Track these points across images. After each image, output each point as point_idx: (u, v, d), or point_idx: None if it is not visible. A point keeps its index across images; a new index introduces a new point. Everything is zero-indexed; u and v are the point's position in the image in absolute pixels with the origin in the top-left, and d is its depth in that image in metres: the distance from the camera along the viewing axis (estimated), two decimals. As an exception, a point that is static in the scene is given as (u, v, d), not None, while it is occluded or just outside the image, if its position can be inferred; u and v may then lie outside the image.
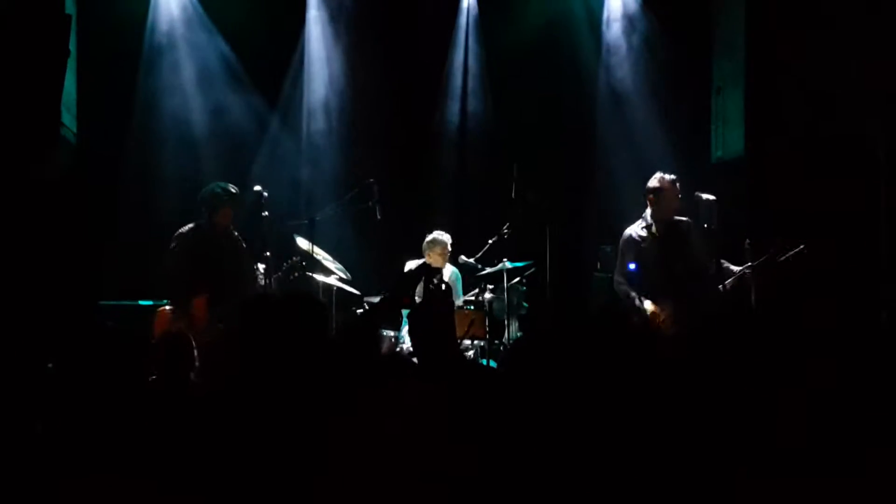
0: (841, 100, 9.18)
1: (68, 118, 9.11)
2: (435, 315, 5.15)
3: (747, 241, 8.26)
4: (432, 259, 9.58)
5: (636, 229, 8.34)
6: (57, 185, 9.31)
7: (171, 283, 8.35)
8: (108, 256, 10.24)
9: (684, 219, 8.29)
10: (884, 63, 8.90)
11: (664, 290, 8.10)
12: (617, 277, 8.48)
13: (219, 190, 8.36)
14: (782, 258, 8.06)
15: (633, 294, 8.18)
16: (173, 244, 8.40)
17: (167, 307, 8.08)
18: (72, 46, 8.64)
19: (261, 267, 7.92)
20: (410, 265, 9.68)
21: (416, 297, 8.78)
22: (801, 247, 8.07)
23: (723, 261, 8.21)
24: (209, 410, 3.70)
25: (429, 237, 9.68)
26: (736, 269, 8.17)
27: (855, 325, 3.90)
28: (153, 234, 10.30)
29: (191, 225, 8.44)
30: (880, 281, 8.85)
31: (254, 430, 3.47)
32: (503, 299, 9.22)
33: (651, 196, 8.28)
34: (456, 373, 4.53)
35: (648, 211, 8.34)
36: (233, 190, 8.42)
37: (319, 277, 8.58)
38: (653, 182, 8.30)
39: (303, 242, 8.47)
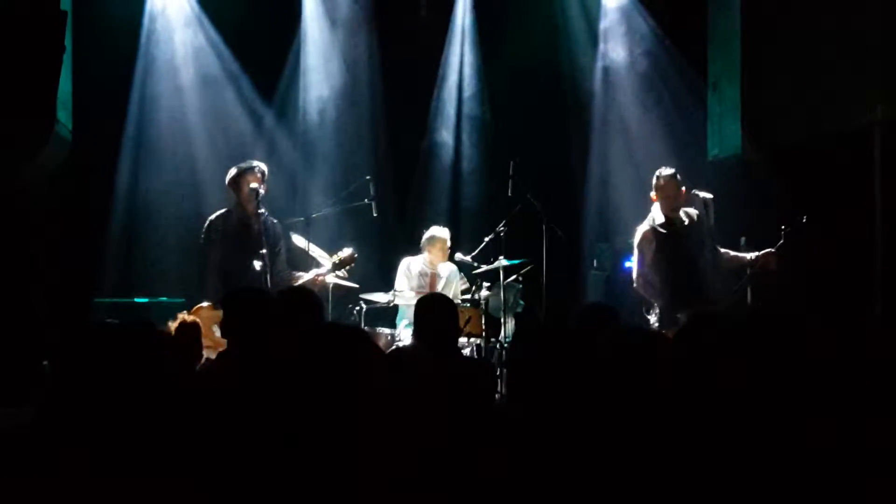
0: (837, 96, 9.18)
1: (64, 115, 9.08)
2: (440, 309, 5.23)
3: (743, 238, 8.26)
4: (432, 255, 9.54)
5: (650, 224, 8.15)
6: (51, 181, 9.32)
7: (209, 278, 7.88)
8: (104, 253, 10.23)
9: (694, 212, 8.17)
10: (878, 58, 8.90)
11: (687, 287, 7.90)
12: (636, 280, 8.19)
13: (237, 165, 8.14)
14: (786, 230, 8.02)
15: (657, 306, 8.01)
16: (203, 234, 8.07)
17: (204, 304, 7.49)
18: (67, 43, 8.63)
19: (257, 264, 7.80)
20: (408, 261, 9.67)
21: (409, 293, 8.84)
22: (803, 217, 8.08)
23: (728, 251, 8.16)
24: (211, 406, 3.70)
25: (427, 233, 9.65)
26: (746, 255, 8.10)
27: (852, 322, 3.89)
28: (149, 231, 10.32)
29: (220, 211, 8.14)
30: (875, 276, 8.85)
31: (255, 427, 3.47)
32: (499, 297, 9.22)
33: (652, 195, 8.19)
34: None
35: (656, 207, 8.19)
36: (253, 161, 8.15)
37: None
38: (653, 179, 8.21)
39: (299, 240, 8.44)
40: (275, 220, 8.13)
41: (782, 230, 8.08)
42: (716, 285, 7.98)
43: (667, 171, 8.21)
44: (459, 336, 5.19)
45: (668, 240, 8.08)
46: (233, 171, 8.11)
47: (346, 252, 8.09)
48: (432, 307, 5.37)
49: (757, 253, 8.10)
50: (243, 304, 4.92)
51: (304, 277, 8.00)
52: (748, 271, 8.10)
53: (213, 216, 8.11)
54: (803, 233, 8.09)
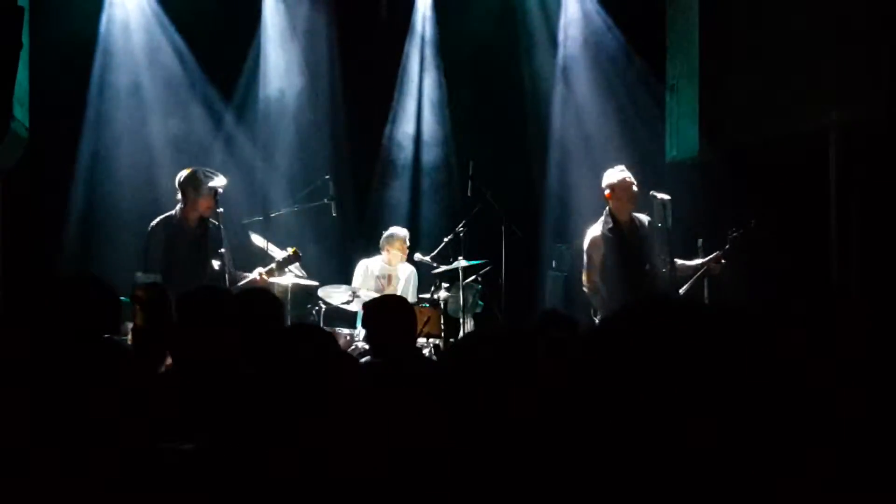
0: (793, 98, 9.26)
1: (20, 111, 9.00)
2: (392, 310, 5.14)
3: (700, 240, 8.30)
4: (392, 254, 9.55)
5: (601, 229, 8.06)
6: (7, 179, 9.23)
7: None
8: (60, 252, 10.14)
9: (646, 218, 8.19)
10: (834, 62, 8.99)
11: (629, 292, 7.78)
12: (587, 284, 8.11)
13: (200, 175, 7.91)
14: (734, 235, 8.04)
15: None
16: (146, 241, 7.96)
17: None
18: (24, 39, 8.54)
19: (216, 264, 7.74)
20: (365, 263, 9.66)
21: (367, 293, 8.82)
22: (752, 221, 8.09)
23: (677, 259, 8.13)
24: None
25: (386, 232, 9.65)
26: (693, 263, 8.11)
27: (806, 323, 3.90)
28: (105, 231, 10.24)
29: (162, 216, 8.00)
30: (831, 279, 8.93)
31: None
32: (458, 297, 9.23)
33: (607, 193, 8.12)
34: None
35: (608, 208, 8.12)
36: (217, 180, 7.92)
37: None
38: (606, 178, 8.12)
39: (258, 240, 8.40)
40: (215, 223, 7.98)
41: (730, 235, 8.10)
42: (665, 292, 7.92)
43: (620, 170, 8.14)
44: (416, 338, 5.10)
45: (617, 246, 8.03)
46: (184, 178, 7.94)
47: (288, 251, 8.01)
48: (381, 311, 5.16)
49: (703, 259, 8.12)
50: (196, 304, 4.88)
51: (246, 278, 7.91)
52: (692, 277, 8.09)
53: (154, 223, 7.98)
54: (753, 236, 8.11)
